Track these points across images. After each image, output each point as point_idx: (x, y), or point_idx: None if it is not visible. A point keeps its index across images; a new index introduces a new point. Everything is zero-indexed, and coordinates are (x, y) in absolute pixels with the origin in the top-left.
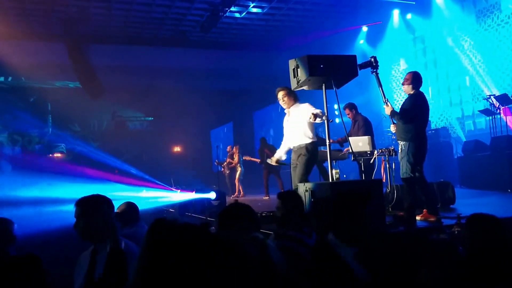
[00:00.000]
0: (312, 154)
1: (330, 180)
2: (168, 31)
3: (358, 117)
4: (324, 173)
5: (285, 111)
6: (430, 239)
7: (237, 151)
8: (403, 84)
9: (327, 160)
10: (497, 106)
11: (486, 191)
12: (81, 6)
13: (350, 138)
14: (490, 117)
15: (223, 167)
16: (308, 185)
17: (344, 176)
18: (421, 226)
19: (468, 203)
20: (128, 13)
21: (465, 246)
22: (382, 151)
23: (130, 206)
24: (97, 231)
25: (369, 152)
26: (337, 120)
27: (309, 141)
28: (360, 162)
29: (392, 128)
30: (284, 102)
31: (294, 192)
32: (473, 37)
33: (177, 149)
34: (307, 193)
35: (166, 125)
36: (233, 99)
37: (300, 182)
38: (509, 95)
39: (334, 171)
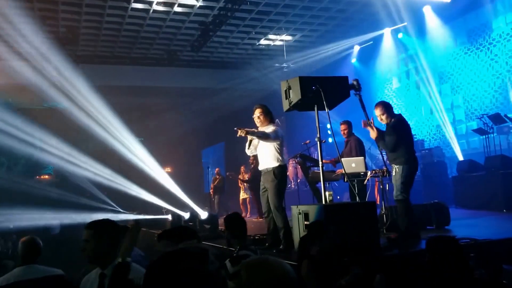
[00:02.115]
0: (280, 179)
1: (323, 202)
2: (158, 50)
3: (351, 137)
4: (317, 194)
5: (250, 137)
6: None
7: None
8: (378, 117)
9: (320, 181)
10: (490, 125)
11: (481, 211)
12: (71, 26)
13: (343, 159)
14: (484, 136)
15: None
16: (302, 208)
17: (338, 197)
18: (416, 249)
19: (463, 224)
20: (118, 33)
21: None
22: (376, 172)
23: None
24: (105, 254)
25: (362, 173)
26: (329, 140)
27: (276, 164)
28: (354, 183)
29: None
30: (259, 121)
31: (236, 214)
32: (465, 56)
33: (167, 170)
34: (300, 216)
35: (157, 145)
36: (225, 119)
37: (276, 208)
38: (502, 114)
39: (327, 193)
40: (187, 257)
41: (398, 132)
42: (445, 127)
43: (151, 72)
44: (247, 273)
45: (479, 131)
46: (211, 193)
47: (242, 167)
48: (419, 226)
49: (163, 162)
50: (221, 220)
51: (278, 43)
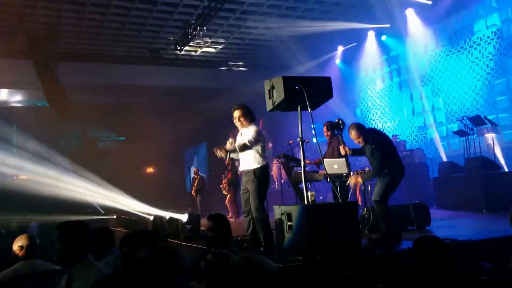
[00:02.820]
0: (261, 180)
1: (306, 203)
2: (141, 48)
3: (334, 138)
4: (300, 195)
5: (232, 155)
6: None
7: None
8: (355, 140)
9: (303, 181)
10: (470, 127)
11: (461, 212)
12: (51, 23)
13: (325, 160)
14: (464, 138)
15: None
16: (284, 208)
17: (321, 198)
18: (398, 249)
19: (443, 224)
20: (100, 30)
21: (414, 269)
22: (357, 173)
23: (101, 233)
24: (71, 254)
25: (344, 174)
26: (314, 140)
27: (257, 166)
28: (336, 184)
29: (353, 181)
30: (239, 123)
31: (223, 215)
32: (447, 58)
33: (149, 169)
34: (283, 216)
35: (139, 144)
36: (208, 119)
37: (256, 209)
38: (482, 116)
39: (309, 193)
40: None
41: (381, 151)
42: (427, 129)
43: (133, 70)
44: (232, 272)
45: (460, 132)
46: (193, 194)
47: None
48: (400, 226)
49: (144, 162)
50: (203, 221)
51: (263, 42)
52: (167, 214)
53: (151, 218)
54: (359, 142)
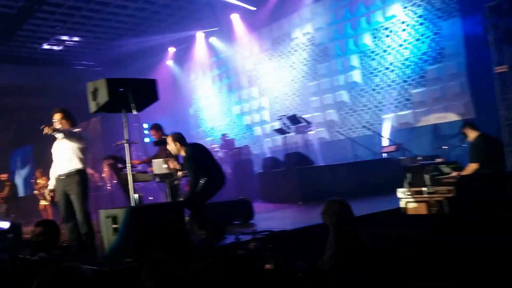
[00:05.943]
0: (86, 181)
1: (132, 204)
2: None
3: (164, 137)
4: (129, 196)
5: (57, 135)
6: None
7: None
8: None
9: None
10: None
11: (282, 204)
12: None
13: (154, 160)
14: (284, 135)
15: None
16: (110, 212)
17: (151, 198)
18: (221, 244)
19: (264, 217)
20: None
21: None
22: (187, 172)
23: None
24: None
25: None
26: (146, 140)
27: (82, 167)
28: (167, 184)
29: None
30: (60, 126)
31: (53, 221)
32: (269, 61)
33: None
34: (108, 220)
35: None
36: (34, 119)
37: (85, 214)
38: (297, 116)
39: (136, 195)
40: None
41: (194, 166)
42: (254, 126)
43: None
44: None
45: (279, 131)
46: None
47: (37, 171)
48: (227, 222)
49: None
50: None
51: (90, 40)
52: None
53: None
54: (180, 153)
